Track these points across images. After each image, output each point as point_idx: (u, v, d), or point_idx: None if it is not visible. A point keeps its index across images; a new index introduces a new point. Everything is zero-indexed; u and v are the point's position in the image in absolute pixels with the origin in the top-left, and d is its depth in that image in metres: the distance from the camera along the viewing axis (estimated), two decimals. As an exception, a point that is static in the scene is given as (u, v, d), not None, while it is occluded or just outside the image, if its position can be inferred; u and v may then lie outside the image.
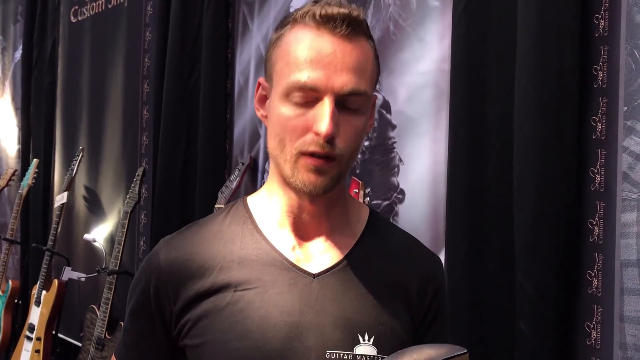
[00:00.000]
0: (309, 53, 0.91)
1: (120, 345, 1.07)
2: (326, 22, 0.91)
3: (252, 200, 1.06)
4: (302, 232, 1.01)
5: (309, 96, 0.91)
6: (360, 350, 0.96)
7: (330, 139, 0.90)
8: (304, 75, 0.90)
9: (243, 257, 0.99)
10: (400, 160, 1.88)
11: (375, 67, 0.97)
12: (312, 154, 0.91)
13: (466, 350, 0.93)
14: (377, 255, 1.03)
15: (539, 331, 1.52)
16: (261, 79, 1.01)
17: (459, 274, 1.66)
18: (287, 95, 0.92)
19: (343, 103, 0.91)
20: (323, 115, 0.90)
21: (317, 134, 0.90)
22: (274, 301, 0.96)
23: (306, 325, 0.95)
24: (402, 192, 1.87)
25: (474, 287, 1.67)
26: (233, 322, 0.95)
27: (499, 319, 1.62)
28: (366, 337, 0.97)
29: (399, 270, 1.03)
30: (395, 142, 1.90)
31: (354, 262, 1.01)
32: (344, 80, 0.90)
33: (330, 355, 0.95)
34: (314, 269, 0.99)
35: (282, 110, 0.93)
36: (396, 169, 1.88)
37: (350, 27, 0.91)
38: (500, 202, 1.65)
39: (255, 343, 0.94)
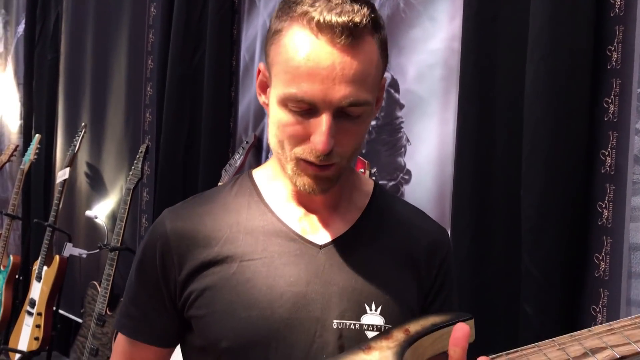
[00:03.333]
0: (306, 64, 0.86)
1: (124, 319, 1.06)
2: (325, 30, 0.86)
3: (258, 173, 1.05)
4: (308, 205, 1.01)
5: (306, 107, 0.89)
6: (367, 319, 0.96)
7: (328, 153, 0.89)
8: (301, 90, 0.87)
9: (249, 228, 0.99)
10: (408, 140, 1.87)
11: (381, 63, 0.93)
12: (310, 162, 0.91)
13: (471, 316, 0.93)
14: (383, 226, 1.03)
15: (544, 314, 1.51)
16: (261, 66, 0.98)
17: (464, 256, 1.65)
18: (284, 103, 0.90)
19: (343, 112, 0.89)
20: (320, 132, 0.88)
21: (314, 148, 0.89)
22: (280, 272, 0.96)
23: (313, 295, 0.95)
24: (408, 172, 1.85)
25: (479, 269, 1.66)
26: (240, 292, 0.95)
27: (503, 300, 1.61)
28: (373, 307, 0.97)
29: (405, 240, 1.03)
30: (402, 122, 1.88)
31: (360, 233, 1.01)
32: (343, 93, 0.87)
33: (337, 325, 0.95)
34: (320, 240, 0.99)
35: (280, 116, 0.91)
36: (403, 149, 1.87)
37: (351, 36, 0.86)
38: (507, 184, 1.63)
39: (262, 312, 0.94)
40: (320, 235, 1.00)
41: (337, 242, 0.99)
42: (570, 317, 1.53)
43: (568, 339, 0.85)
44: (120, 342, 1.06)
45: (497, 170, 1.66)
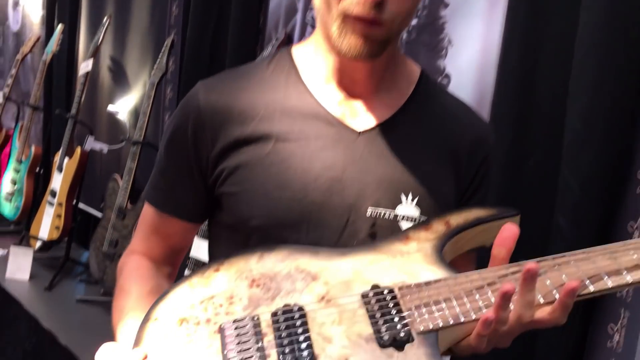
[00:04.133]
0: None
1: (153, 190, 1.03)
2: None
3: (298, 51, 0.99)
4: (349, 88, 0.96)
5: None
6: (402, 210, 0.92)
7: (377, 4, 0.83)
8: None
9: (286, 108, 0.94)
10: (450, 42, 1.77)
11: None
12: (358, 17, 0.84)
13: (518, 212, 0.88)
14: (426, 116, 0.98)
15: (579, 228, 1.47)
16: None
17: (501, 164, 1.59)
18: None
19: None
20: None
21: None
22: (316, 155, 0.92)
23: (348, 181, 0.92)
24: (447, 76, 1.77)
25: (515, 178, 1.60)
26: (273, 172, 0.92)
27: (536, 211, 1.56)
28: (409, 197, 0.93)
29: (448, 132, 0.98)
30: (445, 23, 1.78)
31: (401, 121, 0.96)
32: None
33: (371, 212, 0.92)
34: (359, 126, 0.94)
35: None
36: (444, 51, 1.77)
37: None
38: (553, 92, 1.55)
39: (295, 194, 0.91)
40: (360, 120, 0.95)
41: (377, 129, 0.94)
42: (605, 234, 1.48)
43: (621, 247, 0.80)
44: (148, 212, 1.04)
45: (543, 76, 1.57)
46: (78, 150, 3.10)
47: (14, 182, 3.64)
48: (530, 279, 0.73)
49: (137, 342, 0.81)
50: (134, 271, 1.02)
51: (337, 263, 0.85)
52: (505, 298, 0.73)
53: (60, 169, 3.17)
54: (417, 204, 0.93)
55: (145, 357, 0.76)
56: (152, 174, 1.04)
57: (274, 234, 0.91)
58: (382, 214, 0.91)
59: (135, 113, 3.10)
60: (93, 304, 2.79)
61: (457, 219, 0.90)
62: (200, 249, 2.23)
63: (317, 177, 0.91)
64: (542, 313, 0.76)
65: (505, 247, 0.80)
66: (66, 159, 3.15)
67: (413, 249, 0.86)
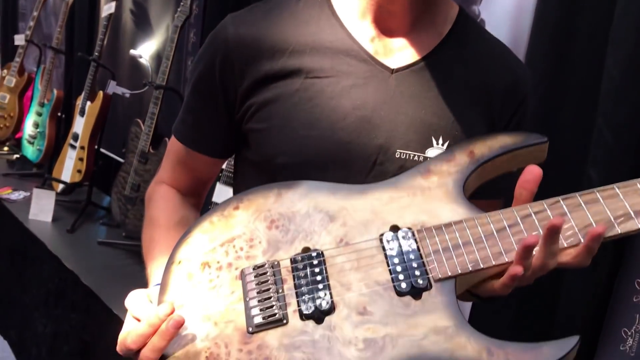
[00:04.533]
0: None
1: (180, 123, 1.02)
2: None
3: None
4: (383, 25, 0.92)
5: None
6: (431, 153, 0.90)
7: None
8: None
9: (317, 43, 0.91)
10: (485, -14, 1.70)
11: None
12: None
13: (546, 139, 0.84)
14: (462, 57, 0.94)
15: (609, 180, 1.42)
16: None
17: (533, 114, 1.55)
18: None
19: None
20: None
21: None
22: (346, 93, 0.89)
23: (378, 121, 0.89)
24: (482, 22, 1.71)
25: (546, 128, 1.56)
26: (301, 109, 0.89)
27: (566, 162, 1.52)
28: (440, 141, 0.90)
29: (484, 75, 0.94)
30: (480, -34, 1.71)
31: (436, 62, 0.92)
32: None
33: (400, 154, 0.89)
34: (393, 64, 0.91)
35: None
36: (479, -4, 1.71)
37: None
38: (592, 39, 1.49)
39: (322, 133, 0.89)
40: (394, 58, 0.91)
41: (411, 68, 0.91)
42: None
43: None
44: (175, 145, 1.03)
45: (582, 23, 1.51)
46: (100, 93, 3.09)
47: (37, 125, 3.66)
48: (553, 234, 0.71)
49: (163, 288, 0.82)
50: (162, 201, 1.03)
51: (355, 202, 0.83)
52: (527, 250, 0.71)
53: (82, 113, 3.17)
54: (447, 147, 0.90)
55: (173, 310, 0.76)
56: (182, 108, 1.02)
57: (300, 172, 0.89)
58: (412, 157, 0.89)
59: (158, 57, 3.06)
60: (114, 246, 2.82)
61: (481, 148, 0.85)
62: (222, 194, 2.22)
63: (346, 116, 0.88)
64: (566, 256, 0.74)
65: (527, 189, 0.77)
66: (88, 103, 3.14)
67: (434, 184, 0.83)
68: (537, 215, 0.76)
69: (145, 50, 3.18)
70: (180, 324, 0.74)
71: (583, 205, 0.75)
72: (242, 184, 1.01)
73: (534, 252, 0.72)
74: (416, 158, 0.89)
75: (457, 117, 0.91)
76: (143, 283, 0.95)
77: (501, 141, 0.84)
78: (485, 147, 0.84)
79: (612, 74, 1.41)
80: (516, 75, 0.97)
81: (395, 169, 0.88)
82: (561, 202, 0.76)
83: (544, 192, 0.79)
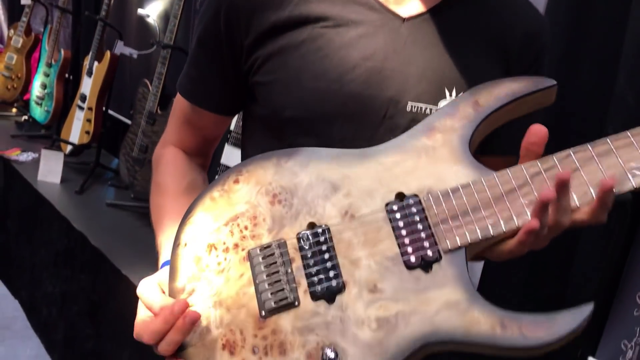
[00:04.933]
0: None
1: (185, 78, 0.98)
2: None
3: None
4: None
5: None
6: (444, 105, 0.85)
7: None
8: None
9: None
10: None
11: None
12: None
13: (555, 83, 0.79)
14: (477, 6, 0.89)
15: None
16: None
17: (554, 68, 1.50)
18: None
19: None
20: None
21: None
22: (355, 42, 0.85)
23: (389, 72, 0.85)
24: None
25: (567, 84, 1.50)
26: (308, 60, 0.85)
27: (584, 122, 1.48)
28: (453, 92, 0.86)
29: (500, 24, 0.90)
30: None
31: (450, 9, 0.88)
32: None
33: (411, 107, 0.85)
34: (404, 13, 0.87)
35: None
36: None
37: None
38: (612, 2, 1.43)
39: (330, 85, 0.85)
40: (406, 6, 0.87)
41: (423, 17, 0.87)
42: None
43: None
44: (180, 102, 1.00)
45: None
46: (107, 54, 3.05)
47: (44, 86, 3.62)
48: (562, 187, 0.68)
49: (172, 273, 0.80)
50: (169, 167, 1.00)
51: (358, 169, 0.80)
52: (544, 205, 0.68)
53: (89, 74, 3.13)
54: None
55: (187, 306, 0.75)
56: (186, 62, 0.98)
57: (308, 126, 0.86)
58: (424, 110, 0.85)
59: (166, 16, 3.00)
60: (123, 208, 2.81)
61: (486, 97, 0.80)
62: (231, 156, 2.20)
63: (355, 67, 0.84)
64: (582, 214, 0.71)
65: (533, 151, 0.73)
66: (95, 63, 3.10)
67: (438, 142, 0.79)
68: (547, 173, 0.72)
69: (153, 10, 3.12)
70: (196, 320, 0.74)
71: (595, 158, 0.71)
72: (250, 142, 0.99)
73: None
74: (428, 111, 0.85)
75: (471, 67, 0.87)
76: (151, 245, 0.93)
77: (507, 88, 0.79)
78: (491, 96, 0.80)
79: (636, 34, 1.36)
80: (534, 27, 0.92)
81: (406, 122, 0.85)
82: (572, 155, 0.72)
83: (560, 140, 0.76)
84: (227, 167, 2.27)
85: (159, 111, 2.64)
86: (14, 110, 4.11)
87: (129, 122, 3.03)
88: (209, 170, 1.08)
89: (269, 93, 0.89)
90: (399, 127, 0.85)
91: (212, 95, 0.96)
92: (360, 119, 0.85)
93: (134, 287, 0.80)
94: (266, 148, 0.94)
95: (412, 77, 0.85)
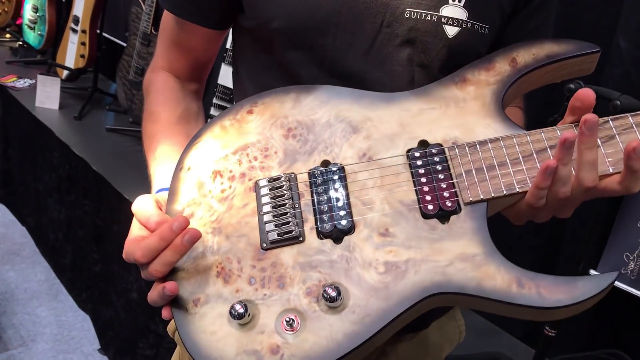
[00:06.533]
0: None
1: None
2: None
3: None
4: None
5: None
6: (447, 11, 0.80)
7: None
8: None
9: None
10: None
11: None
12: None
13: (599, 49, 0.75)
14: None
15: (638, 48, 1.34)
16: None
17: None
18: None
19: None
20: None
21: None
22: None
23: None
24: None
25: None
26: None
27: (596, 33, 1.43)
28: None
29: None
30: None
31: None
32: None
33: (410, 14, 0.80)
34: None
35: None
36: None
37: None
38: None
39: None
40: None
41: None
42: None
43: None
44: (167, 21, 0.94)
45: None
46: (98, -29, 2.93)
47: (36, 10, 3.51)
48: (588, 131, 0.64)
49: (171, 196, 0.77)
50: (161, 93, 0.95)
51: (381, 112, 0.76)
52: (566, 146, 0.64)
53: (81, -6, 3.02)
54: (465, 5, 0.80)
55: (188, 223, 0.69)
56: None
57: (298, 38, 0.81)
58: (424, 16, 0.79)
59: None
60: (122, 132, 2.78)
61: (525, 56, 0.76)
62: (228, 76, 2.14)
63: None
64: (612, 183, 0.66)
65: (579, 115, 0.68)
66: (86, -17, 2.99)
67: (470, 95, 0.76)
68: None
69: None
70: (195, 239, 0.69)
71: (634, 127, 0.67)
72: (240, 58, 0.94)
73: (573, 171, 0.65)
74: (429, 17, 0.79)
75: None
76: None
77: (548, 49, 0.75)
78: (529, 55, 0.76)
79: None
80: None
81: (404, 31, 0.80)
82: (610, 122, 0.68)
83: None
84: (225, 88, 2.22)
85: (153, 31, 2.56)
86: (8, 35, 4.02)
87: (124, 44, 2.95)
88: (205, 91, 1.04)
89: (256, 2, 0.83)
90: (397, 36, 0.80)
91: (199, 6, 0.90)
92: (355, 29, 0.80)
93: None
94: (256, 65, 0.90)
95: None
